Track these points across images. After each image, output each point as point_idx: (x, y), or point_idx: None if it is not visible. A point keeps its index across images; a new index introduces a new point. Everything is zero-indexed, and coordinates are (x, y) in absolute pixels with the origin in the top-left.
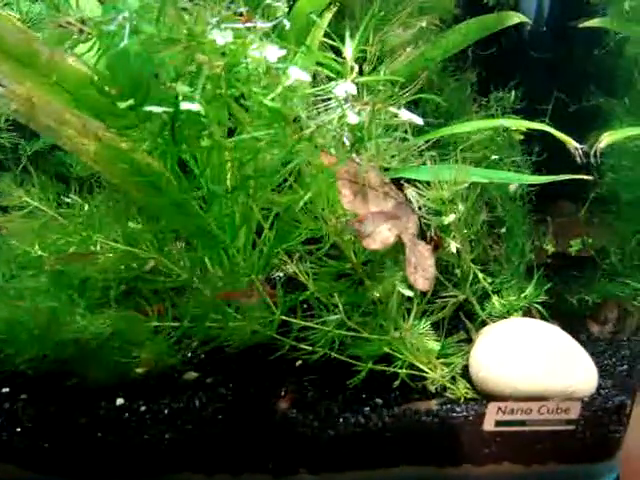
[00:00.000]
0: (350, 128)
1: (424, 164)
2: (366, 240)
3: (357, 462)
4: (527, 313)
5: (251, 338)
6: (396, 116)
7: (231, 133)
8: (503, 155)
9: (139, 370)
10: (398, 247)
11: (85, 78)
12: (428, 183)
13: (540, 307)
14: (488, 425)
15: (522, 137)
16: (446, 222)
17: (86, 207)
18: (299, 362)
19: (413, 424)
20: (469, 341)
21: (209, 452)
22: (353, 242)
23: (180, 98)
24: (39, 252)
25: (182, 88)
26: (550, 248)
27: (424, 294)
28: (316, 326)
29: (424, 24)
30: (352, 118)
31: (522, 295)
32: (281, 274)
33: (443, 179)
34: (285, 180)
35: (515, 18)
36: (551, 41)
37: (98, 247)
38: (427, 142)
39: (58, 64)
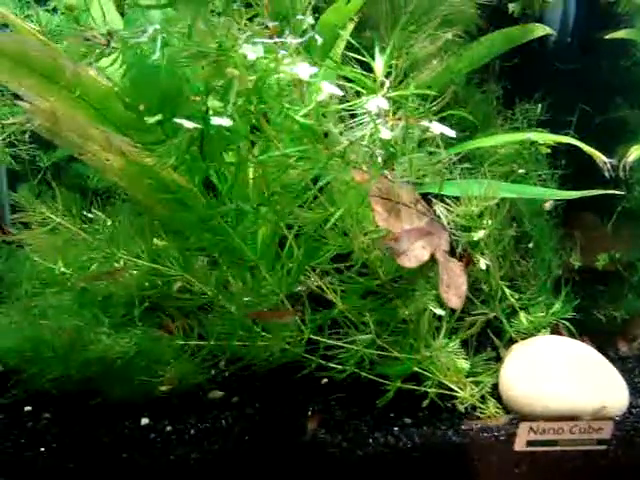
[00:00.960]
0: (383, 144)
1: (452, 179)
2: (401, 258)
3: None
4: (554, 329)
5: (279, 357)
6: (428, 130)
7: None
8: (530, 169)
9: (163, 388)
10: (428, 264)
11: (109, 93)
12: (456, 198)
13: (568, 324)
14: (520, 445)
15: (549, 151)
16: (476, 238)
17: (109, 223)
18: (324, 380)
19: (443, 444)
20: (497, 359)
21: (236, 473)
22: (381, 259)
23: (211, 113)
24: (62, 269)
25: (213, 103)
26: (576, 263)
27: (453, 312)
28: (346, 345)
29: (450, 36)
30: (385, 133)
31: (550, 312)
32: (303, 288)
33: (472, 194)
34: (314, 197)
35: (540, 30)
36: (576, 53)
37: (121, 264)
38: (454, 156)
39: (82, 78)
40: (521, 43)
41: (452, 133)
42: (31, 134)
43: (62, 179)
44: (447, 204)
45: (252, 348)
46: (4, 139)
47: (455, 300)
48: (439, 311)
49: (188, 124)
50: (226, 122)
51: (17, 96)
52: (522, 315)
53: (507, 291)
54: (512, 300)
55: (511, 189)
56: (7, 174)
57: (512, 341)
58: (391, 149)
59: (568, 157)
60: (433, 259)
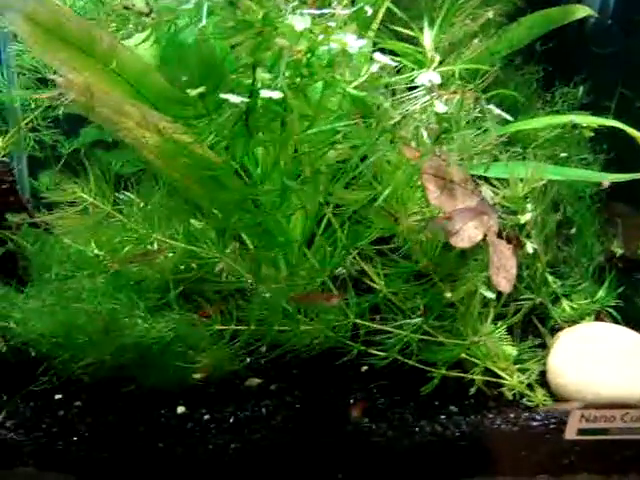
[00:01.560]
0: (437, 118)
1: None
2: (454, 238)
3: (431, 473)
4: (598, 317)
5: (321, 343)
6: (482, 106)
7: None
8: (572, 153)
9: (197, 376)
10: (478, 246)
11: (146, 67)
12: (501, 180)
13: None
14: (570, 433)
15: (592, 134)
16: (522, 221)
17: (142, 204)
18: (364, 368)
19: (492, 433)
20: (542, 346)
21: (278, 463)
22: (426, 242)
23: (259, 85)
24: (95, 251)
25: (262, 75)
26: (618, 250)
27: (499, 296)
28: (393, 330)
29: (491, 15)
30: (440, 107)
31: (594, 299)
32: (343, 271)
33: (518, 176)
34: (358, 176)
35: (581, 11)
36: (617, 35)
37: (155, 246)
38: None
39: (118, 52)
40: (561, 24)
41: (507, 116)
42: (53, 120)
43: (84, 166)
44: (492, 186)
45: (294, 334)
46: (27, 124)
47: (504, 283)
48: (489, 294)
49: (234, 98)
50: (276, 95)
51: (41, 80)
52: (565, 302)
53: (549, 277)
54: (554, 286)
55: (557, 171)
56: (28, 161)
57: (555, 329)
58: (445, 124)
59: (610, 141)
60: (482, 241)
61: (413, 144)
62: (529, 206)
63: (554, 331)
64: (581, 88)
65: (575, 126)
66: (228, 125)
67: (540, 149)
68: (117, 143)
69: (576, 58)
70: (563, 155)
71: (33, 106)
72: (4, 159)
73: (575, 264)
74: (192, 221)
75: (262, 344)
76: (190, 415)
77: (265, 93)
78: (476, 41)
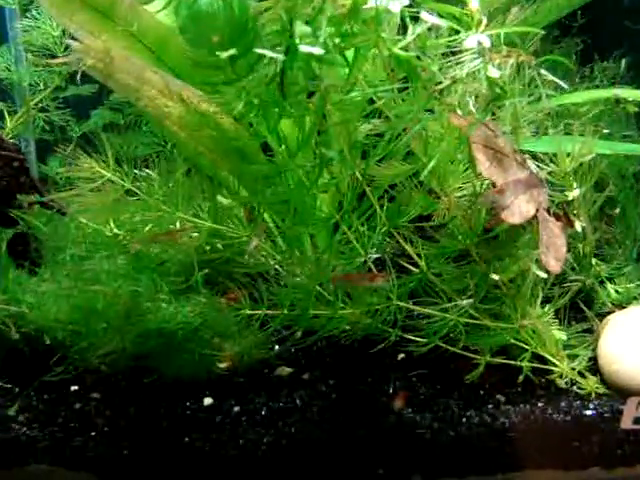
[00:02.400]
0: (488, 84)
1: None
2: (505, 213)
3: (478, 466)
4: None
5: (361, 329)
6: (538, 72)
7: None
8: (614, 130)
9: (222, 365)
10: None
11: (168, 32)
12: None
13: None
14: (626, 423)
15: (636, 109)
16: (570, 198)
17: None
18: (401, 356)
19: (543, 423)
20: (588, 331)
21: (314, 458)
22: (469, 219)
23: (298, 41)
24: (115, 230)
25: (302, 28)
26: None
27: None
28: (439, 314)
29: None
30: (493, 72)
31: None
32: (375, 254)
33: (565, 151)
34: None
35: None
36: None
37: (178, 225)
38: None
39: (139, 15)
40: None
41: (563, 83)
42: (63, 101)
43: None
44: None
45: (330, 319)
46: (35, 104)
47: (554, 263)
48: (542, 273)
49: (272, 54)
50: (317, 50)
51: (53, 56)
52: (609, 285)
53: (593, 259)
54: (598, 269)
55: (607, 146)
56: (36, 145)
57: (598, 314)
58: (498, 91)
59: None
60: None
61: (459, 112)
62: (576, 182)
63: (598, 316)
64: (623, 62)
65: (618, 101)
66: (259, 90)
67: (581, 125)
68: (129, 126)
69: (616, 31)
70: (605, 132)
71: (42, 87)
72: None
73: (619, 246)
74: (219, 198)
75: (296, 330)
76: (218, 407)
77: (305, 48)
78: (515, 10)
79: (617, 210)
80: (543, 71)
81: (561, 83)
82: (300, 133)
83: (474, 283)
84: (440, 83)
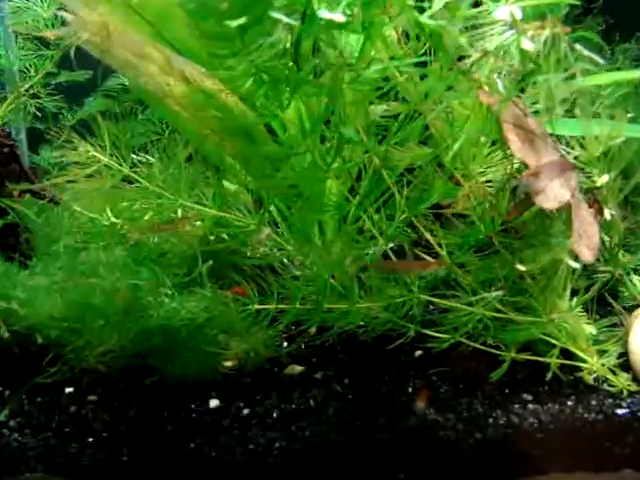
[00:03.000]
0: (520, 58)
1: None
2: (539, 197)
3: (505, 470)
4: None
5: (380, 323)
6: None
7: None
8: (638, 114)
9: (228, 364)
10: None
11: (170, 4)
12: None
13: None
14: None
15: None
16: (599, 184)
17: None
18: (418, 353)
19: (575, 423)
20: (615, 325)
21: (331, 463)
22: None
23: (317, 6)
24: (112, 219)
25: None
26: None
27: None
28: (464, 307)
29: None
30: (526, 44)
31: None
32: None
33: (593, 134)
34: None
35: None
36: None
37: (180, 213)
38: None
39: None
40: None
41: (600, 60)
42: (55, 87)
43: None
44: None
45: (346, 314)
46: (26, 90)
47: (587, 252)
48: (574, 264)
49: (286, 19)
50: (339, 17)
51: (43, 40)
52: (635, 277)
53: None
54: (624, 260)
55: (636, 129)
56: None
57: (626, 307)
58: (531, 65)
59: None
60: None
61: (487, 88)
62: (605, 167)
63: (625, 309)
64: None
65: None
66: (271, 65)
67: (608, 107)
68: (125, 114)
69: (638, 11)
70: (630, 116)
71: (33, 72)
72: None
73: None
74: (225, 183)
75: (311, 325)
76: (226, 409)
77: (324, 14)
78: None
79: None
80: (578, 46)
81: (597, 59)
82: (312, 113)
83: (502, 275)
84: (468, 57)
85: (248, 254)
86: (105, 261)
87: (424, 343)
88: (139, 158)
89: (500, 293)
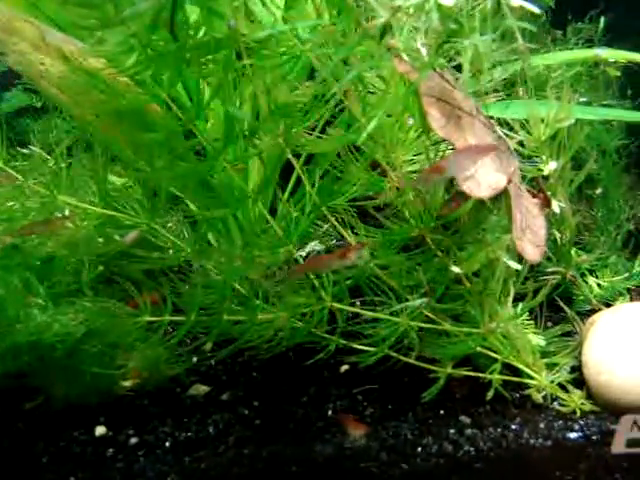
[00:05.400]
0: (440, 17)
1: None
2: (468, 184)
3: None
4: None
5: (289, 337)
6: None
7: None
8: (593, 97)
9: (126, 384)
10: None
11: None
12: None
13: None
14: (618, 447)
15: (618, 74)
16: (546, 172)
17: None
18: (345, 368)
19: (518, 450)
20: (569, 334)
21: None
22: (422, 199)
23: None
24: None
25: None
26: None
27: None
28: (386, 317)
29: None
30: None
31: (628, 275)
32: (317, 247)
33: (539, 116)
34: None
35: None
36: None
37: (67, 213)
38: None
39: None
40: None
41: (536, 9)
42: None
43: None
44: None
45: (250, 326)
46: None
47: (532, 250)
48: (515, 264)
49: None
50: None
51: None
52: (591, 279)
53: (572, 248)
54: (578, 259)
55: (588, 111)
56: None
57: (580, 313)
58: (452, 25)
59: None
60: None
61: (406, 57)
62: (553, 153)
63: (579, 315)
64: (602, 21)
65: (597, 65)
66: (149, 38)
67: (556, 91)
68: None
69: None
70: (583, 100)
71: None
72: None
73: (601, 232)
74: (111, 177)
75: (206, 340)
76: (112, 438)
77: None
78: None
79: (598, 190)
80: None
81: (537, 10)
82: (201, 95)
83: (429, 278)
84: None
85: (143, 257)
86: None
87: (352, 357)
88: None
89: (424, 300)
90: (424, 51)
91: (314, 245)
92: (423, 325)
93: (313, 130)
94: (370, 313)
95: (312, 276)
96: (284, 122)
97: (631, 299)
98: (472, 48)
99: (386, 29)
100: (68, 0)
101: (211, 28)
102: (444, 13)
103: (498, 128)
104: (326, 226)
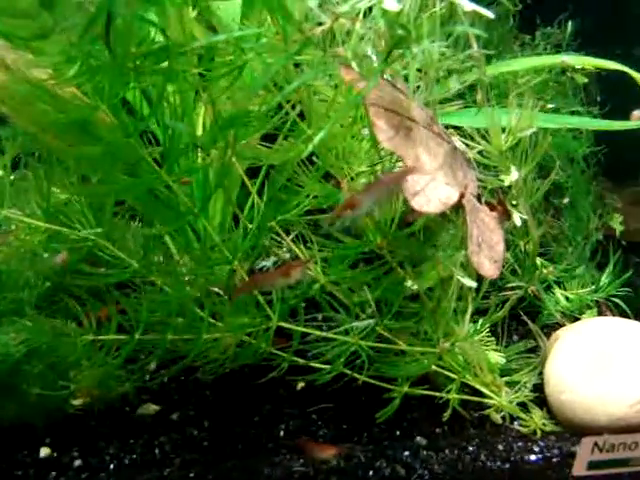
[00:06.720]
0: (387, 23)
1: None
2: (416, 200)
3: None
4: (600, 310)
5: (236, 355)
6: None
7: None
8: (560, 104)
9: (76, 402)
10: (444, 217)
11: None
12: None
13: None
14: (579, 469)
15: (585, 80)
16: (507, 183)
17: None
18: (300, 386)
19: (474, 473)
20: (533, 350)
21: None
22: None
23: None
24: None
25: None
26: (618, 227)
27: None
28: (334, 336)
29: None
30: (390, 3)
31: (595, 287)
32: (269, 262)
33: (499, 125)
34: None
35: None
36: None
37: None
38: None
39: None
40: None
41: (490, 14)
42: None
43: None
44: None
45: (196, 342)
46: None
47: (489, 265)
48: (469, 282)
49: None
50: None
51: None
52: (558, 291)
53: (538, 260)
54: (544, 272)
55: (550, 119)
56: None
57: (546, 327)
58: (400, 31)
59: (605, 90)
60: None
61: (354, 65)
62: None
63: (545, 329)
64: (569, 25)
65: (564, 71)
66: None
67: (520, 98)
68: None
69: None
70: (550, 106)
71: None
72: None
73: (568, 243)
74: (54, 190)
75: (150, 359)
76: (56, 459)
77: None
78: None
79: (565, 200)
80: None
81: (489, 14)
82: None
83: (382, 294)
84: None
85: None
86: None
87: (307, 375)
88: None
89: (370, 322)
90: (375, 59)
91: (264, 261)
92: (374, 345)
93: (274, 142)
94: (318, 332)
95: (257, 294)
96: (232, 133)
97: (599, 312)
98: (424, 55)
99: (330, 36)
100: (3, 11)
101: (147, 38)
102: (390, 19)
103: (456, 138)
104: (284, 241)
